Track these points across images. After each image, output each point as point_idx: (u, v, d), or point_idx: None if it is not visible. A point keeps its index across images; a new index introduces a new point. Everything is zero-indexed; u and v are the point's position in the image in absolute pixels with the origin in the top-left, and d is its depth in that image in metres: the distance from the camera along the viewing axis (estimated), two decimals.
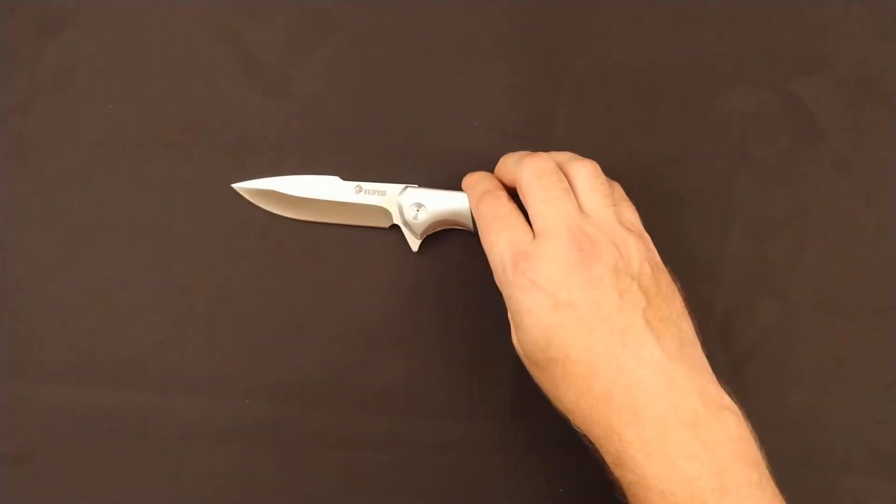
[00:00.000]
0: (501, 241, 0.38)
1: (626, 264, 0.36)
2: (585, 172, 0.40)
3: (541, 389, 0.38)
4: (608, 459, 0.35)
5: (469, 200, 0.43)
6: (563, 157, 0.41)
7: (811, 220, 0.47)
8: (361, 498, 0.44)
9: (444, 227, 0.46)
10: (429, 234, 0.45)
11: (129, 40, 0.49)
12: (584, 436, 0.36)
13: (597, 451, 0.36)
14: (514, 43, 0.49)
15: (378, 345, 0.45)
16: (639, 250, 0.37)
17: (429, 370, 0.45)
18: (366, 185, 0.46)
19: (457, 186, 0.45)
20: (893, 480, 0.44)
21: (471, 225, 0.44)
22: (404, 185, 0.45)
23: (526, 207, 0.39)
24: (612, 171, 0.47)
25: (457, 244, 0.46)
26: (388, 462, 0.44)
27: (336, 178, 0.46)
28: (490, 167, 0.47)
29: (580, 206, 0.38)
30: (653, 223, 0.46)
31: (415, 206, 0.45)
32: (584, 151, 0.47)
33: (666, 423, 0.33)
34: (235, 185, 0.47)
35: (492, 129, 0.48)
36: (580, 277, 0.35)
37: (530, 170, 0.39)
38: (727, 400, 0.35)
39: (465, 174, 0.47)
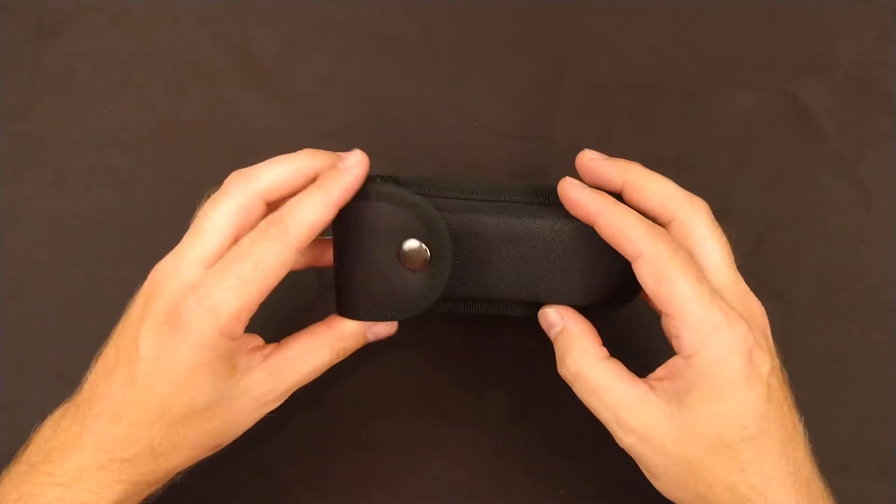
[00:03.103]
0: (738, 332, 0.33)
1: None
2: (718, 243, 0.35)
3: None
4: None
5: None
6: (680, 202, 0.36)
7: (811, 220, 0.47)
8: (366, 496, 0.44)
9: None
10: None
11: (129, 40, 0.49)
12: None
13: None
14: (514, 43, 0.49)
15: (379, 344, 0.45)
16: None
17: (429, 371, 0.45)
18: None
19: None
20: (894, 480, 0.44)
21: None
22: None
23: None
24: None
25: None
26: (389, 463, 0.44)
27: None
28: (490, 167, 0.47)
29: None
30: None
31: None
32: None
33: None
34: None
35: (492, 130, 0.48)
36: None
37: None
38: None
39: (465, 174, 0.47)
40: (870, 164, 0.48)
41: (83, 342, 0.45)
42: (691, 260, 0.34)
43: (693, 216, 0.35)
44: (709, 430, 0.32)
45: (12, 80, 0.48)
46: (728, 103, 0.48)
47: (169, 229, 0.47)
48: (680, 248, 0.34)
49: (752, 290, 0.43)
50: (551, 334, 0.38)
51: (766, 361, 0.33)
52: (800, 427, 0.35)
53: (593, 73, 0.49)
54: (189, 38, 0.49)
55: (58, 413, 0.36)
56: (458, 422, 0.44)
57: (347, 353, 0.39)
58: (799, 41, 0.49)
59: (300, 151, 0.37)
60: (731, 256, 0.35)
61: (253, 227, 0.35)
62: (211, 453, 0.37)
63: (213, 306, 0.33)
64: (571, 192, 0.36)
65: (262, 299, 0.34)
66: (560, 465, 0.44)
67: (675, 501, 0.35)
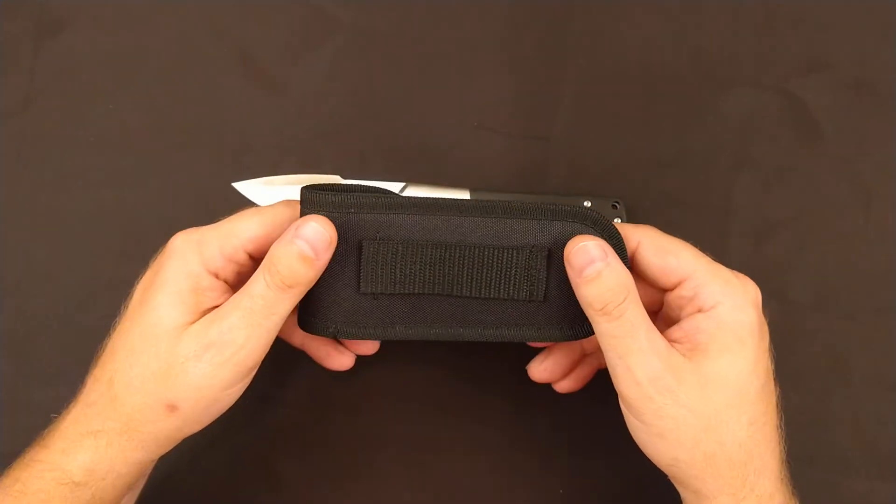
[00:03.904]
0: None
1: None
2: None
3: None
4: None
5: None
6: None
7: (811, 220, 0.47)
8: (368, 492, 0.44)
9: None
10: None
11: (129, 40, 0.49)
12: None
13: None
14: (515, 43, 0.49)
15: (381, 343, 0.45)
16: None
17: (430, 371, 0.45)
18: (366, 184, 0.46)
19: (457, 186, 0.45)
20: (893, 480, 0.44)
21: None
22: (404, 183, 0.45)
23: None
24: (612, 170, 0.47)
25: None
26: (391, 460, 0.44)
27: (337, 177, 0.46)
28: (490, 167, 0.47)
29: None
30: (653, 223, 0.46)
31: None
32: (584, 151, 0.48)
33: None
34: (236, 184, 0.47)
35: (492, 129, 0.48)
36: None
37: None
38: None
39: (465, 174, 0.47)
40: (870, 164, 0.48)
41: (83, 342, 0.45)
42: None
43: (653, 233, 0.37)
44: (730, 379, 0.34)
45: (12, 80, 0.48)
46: (728, 103, 0.48)
47: (169, 229, 0.47)
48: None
49: None
50: (591, 270, 0.34)
51: (766, 322, 0.35)
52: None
53: (593, 73, 0.49)
54: (189, 38, 0.49)
55: None
56: (460, 419, 0.44)
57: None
58: (799, 41, 0.49)
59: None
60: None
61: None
62: (166, 416, 0.34)
63: (199, 239, 0.36)
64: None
65: (247, 245, 0.36)
66: (561, 463, 0.44)
67: (669, 464, 0.35)
